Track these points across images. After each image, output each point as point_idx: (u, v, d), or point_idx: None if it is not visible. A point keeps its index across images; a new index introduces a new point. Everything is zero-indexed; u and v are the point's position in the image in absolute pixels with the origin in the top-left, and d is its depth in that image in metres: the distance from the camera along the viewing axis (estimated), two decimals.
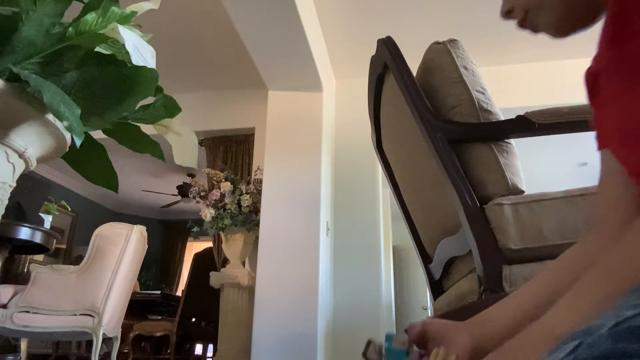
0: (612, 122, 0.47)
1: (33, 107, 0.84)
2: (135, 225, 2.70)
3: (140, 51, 0.88)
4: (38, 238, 2.77)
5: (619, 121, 0.44)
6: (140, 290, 5.42)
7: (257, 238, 3.22)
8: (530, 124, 1.13)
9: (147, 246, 2.90)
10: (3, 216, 0.91)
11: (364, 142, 3.29)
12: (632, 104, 0.42)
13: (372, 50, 1.44)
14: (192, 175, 5.88)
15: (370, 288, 3.24)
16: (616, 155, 0.47)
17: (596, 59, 0.51)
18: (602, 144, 0.53)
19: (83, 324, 2.39)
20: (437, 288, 1.49)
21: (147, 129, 1.08)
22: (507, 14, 0.63)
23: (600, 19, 0.55)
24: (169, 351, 4.05)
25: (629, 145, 0.43)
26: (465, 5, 3.03)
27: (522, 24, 0.61)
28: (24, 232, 2.69)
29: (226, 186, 3.25)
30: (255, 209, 3.25)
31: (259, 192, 3.24)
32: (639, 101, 0.41)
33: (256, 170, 3.53)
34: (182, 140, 1.12)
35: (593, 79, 0.53)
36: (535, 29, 0.60)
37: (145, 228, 2.82)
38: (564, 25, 0.58)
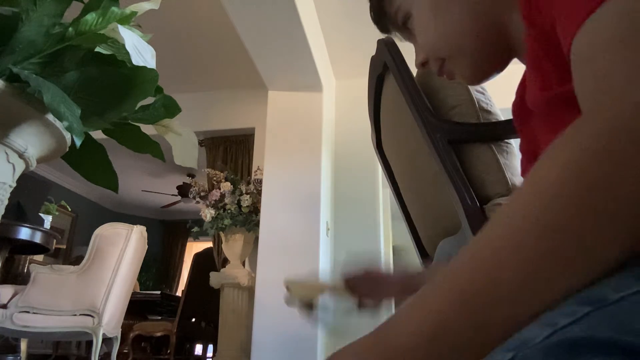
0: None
1: (33, 107, 0.84)
2: (135, 226, 2.70)
3: (140, 51, 0.88)
4: (38, 238, 2.77)
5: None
6: (140, 290, 5.42)
7: (257, 238, 3.22)
8: None
9: (147, 246, 2.90)
10: (3, 216, 0.91)
11: (364, 142, 3.28)
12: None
13: (372, 50, 1.44)
14: (192, 176, 5.88)
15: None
16: None
17: (524, 92, 0.52)
18: None
19: (83, 324, 2.39)
20: None
21: (147, 129, 1.08)
22: (421, 65, 0.64)
23: (509, 62, 0.58)
24: (168, 351, 4.05)
25: None
26: None
27: (440, 73, 0.63)
28: (24, 232, 2.69)
29: (226, 186, 3.25)
30: (255, 209, 3.25)
31: (259, 192, 3.23)
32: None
33: (256, 170, 3.53)
34: (182, 140, 1.12)
35: (521, 111, 0.54)
36: (452, 77, 0.62)
37: (145, 228, 2.82)
38: (478, 73, 0.60)
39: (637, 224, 0.23)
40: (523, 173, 0.63)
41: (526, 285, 0.25)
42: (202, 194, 3.36)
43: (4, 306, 2.30)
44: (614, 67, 0.27)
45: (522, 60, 0.57)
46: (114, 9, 0.87)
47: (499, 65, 0.59)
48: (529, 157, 0.56)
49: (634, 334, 0.21)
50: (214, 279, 3.18)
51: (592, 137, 0.25)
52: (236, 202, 3.21)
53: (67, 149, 0.99)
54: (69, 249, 6.24)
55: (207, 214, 3.22)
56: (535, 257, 0.25)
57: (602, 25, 0.30)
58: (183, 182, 5.98)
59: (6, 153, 0.86)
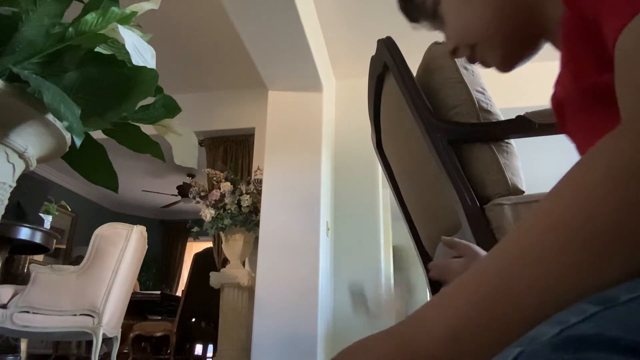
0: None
1: (33, 107, 0.84)
2: (135, 226, 2.70)
3: (140, 51, 0.88)
4: (38, 238, 2.77)
5: None
6: (140, 290, 5.42)
7: (257, 238, 3.22)
8: (530, 124, 1.13)
9: (147, 246, 2.90)
10: (3, 216, 0.91)
11: (364, 142, 3.29)
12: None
13: (372, 50, 1.44)
14: (192, 176, 5.88)
15: (370, 288, 3.24)
16: None
17: (560, 85, 0.51)
18: None
19: (83, 324, 2.39)
20: (437, 288, 1.49)
21: (147, 129, 1.08)
22: (452, 52, 0.63)
23: (540, 48, 0.57)
24: (169, 351, 4.05)
25: None
26: None
27: (472, 61, 0.61)
28: (24, 232, 2.69)
29: (226, 186, 3.25)
30: (255, 209, 3.25)
31: (259, 192, 3.23)
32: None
33: (256, 171, 3.53)
34: (182, 140, 1.12)
35: (559, 107, 0.52)
36: (485, 65, 0.61)
37: (145, 228, 2.82)
38: (509, 59, 0.58)
39: None
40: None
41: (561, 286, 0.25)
42: (202, 194, 3.36)
43: (4, 306, 2.30)
44: None
45: (555, 45, 0.55)
46: (114, 9, 0.87)
47: (531, 50, 0.57)
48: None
49: None
50: (214, 279, 3.18)
51: (633, 150, 0.25)
52: (236, 202, 3.21)
53: (67, 149, 0.99)
54: (69, 249, 6.24)
55: (207, 214, 3.22)
56: (565, 263, 0.25)
57: None
58: (183, 182, 5.98)
59: (6, 153, 0.86)
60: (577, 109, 0.44)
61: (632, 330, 0.21)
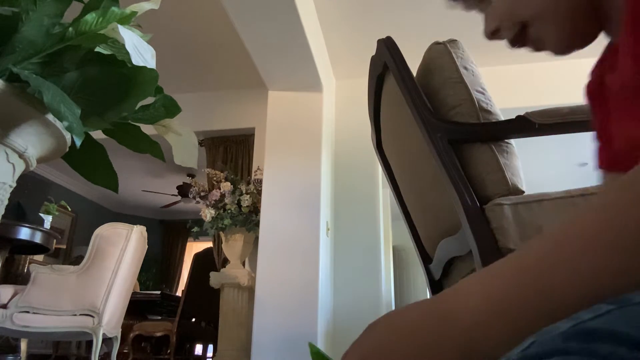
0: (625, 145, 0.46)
1: (33, 107, 0.84)
2: (135, 226, 2.70)
3: (140, 51, 0.88)
4: (38, 238, 2.77)
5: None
6: (140, 290, 5.42)
7: (257, 238, 3.22)
8: (530, 124, 1.13)
9: (147, 246, 2.90)
10: (3, 216, 0.91)
11: (364, 142, 3.29)
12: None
13: (372, 50, 1.44)
14: (192, 176, 5.88)
15: (370, 288, 3.24)
16: None
17: (596, 72, 0.49)
18: (610, 166, 0.52)
19: (83, 324, 2.39)
20: (437, 288, 1.49)
21: (147, 129, 1.08)
22: (493, 33, 0.56)
23: (597, 35, 0.52)
24: (169, 351, 4.05)
25: None
26: None
27: (517, 42, 0.55)
28: (24, 232, 2.69)
29: (226, 186, 3.25)
30: (255, 209, 3.25)
31: (259, 192, 3.24)
32: None
33: (256, 171, 3.53)
34: (182, 140, 1.12)
35: (600, 95, 0.50)
36: (538, 46, 0.54)
37: (145, 228, 2.82)
38: (565, 41, 0.52)
39: None
40: (599, 161, 0.56)
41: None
42: (202, 194, 3.36)
43: (4, 306, 2.30)
44: None
45: (612, 35, 0.50)
46: (114, 9, 0.87)
47: (588, 36, 0.51)
48: (604, 143, 0.53)
49: None
50: (214, 279, 3.18)
51: None
52: (236, 202, 3.21)
53: (67, 149, 0.99)
54: (69, 249, 6.24)
55: (207, 214, 3.22)
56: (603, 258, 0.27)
57: None
58: (183, 182, 5.98)
59: (6, 153, 0.86)
60: (629, 98, 0.42)
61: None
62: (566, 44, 0.52)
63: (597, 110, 0.52)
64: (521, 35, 0.54)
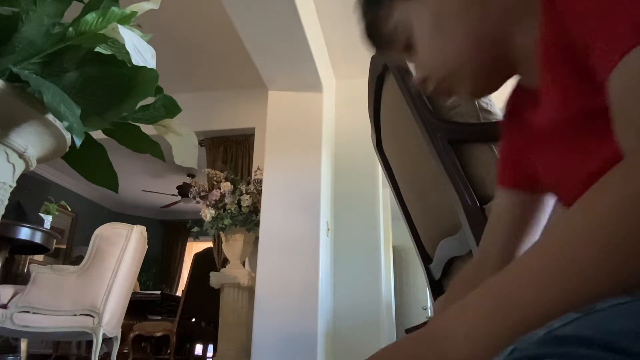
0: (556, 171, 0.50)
1: (33, 107, 0.84)
2: (135, 226, 2.70)
3: (140, 51, 0.88)
4: (38, 238, 2.77)
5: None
6: (140, 290, 5.42)
7: (257, 238, 3.22)
8: None
9: (147, 246, 2.90)
10: (3, 216, 0.91)
11: (364, 142, 3.29)
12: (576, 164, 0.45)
13: (372, 50, 1.44)
14: (192, 176, 5.88)
15: (370, 288, 3.24)
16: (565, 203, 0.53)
17: (539, 109, 0.52)
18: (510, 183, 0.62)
19: (83, 324, 2.39)
20: (437, 288, 1.49)
21: (147, 129, 1.08)
22: (422, 82, 0.61)
23: (509, 79, 0.58)
24: (169, 351, 4.05)
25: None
26: None
27: (439, 92, 0.60)
28: (24, 232, 2.69)
29: (226, 186, 3.25)
30: (255, 209, 3.25)
31: (259, 192, 3.24)
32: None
33: (256, 170, 3.53)
34: (182, 140, 1.12)
35: (519, 129, 0.56)
36: (449, 95, 0.60)
37: (145, 228, 2.82)
38: (478, 91, 0.58)
39: None
40: (499, 178, 0.66)
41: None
42: (202, 194, 3.36)
43: (4, 306, 2.30)
44: None
45: (525, 77, 0.55)
46: (114, 9, 0.87)
47: (500, 83, 0.57)
48: (506, 164, 0.64)
49: (610, 334, 0.25)
50: (214, 279, 3.18)
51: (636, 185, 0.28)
52: (236, 202, 3.21)
53: (67, 149, 0.99)
54: (69, 249, 6.24)
55: (207, 214, 3.22)
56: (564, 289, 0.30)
57: None
58: (183, 182, 5.98)
59: (6, 153, 0.86)
60: (561, 131, 0.45)
61: (604, 332, 0.26)
62: (480, 93, 0.59)
63: (512, 137, 0.59)
64: (442, 86, 0.59)
